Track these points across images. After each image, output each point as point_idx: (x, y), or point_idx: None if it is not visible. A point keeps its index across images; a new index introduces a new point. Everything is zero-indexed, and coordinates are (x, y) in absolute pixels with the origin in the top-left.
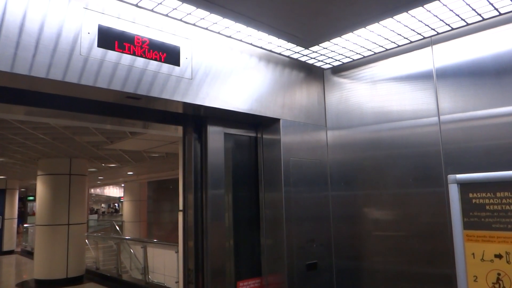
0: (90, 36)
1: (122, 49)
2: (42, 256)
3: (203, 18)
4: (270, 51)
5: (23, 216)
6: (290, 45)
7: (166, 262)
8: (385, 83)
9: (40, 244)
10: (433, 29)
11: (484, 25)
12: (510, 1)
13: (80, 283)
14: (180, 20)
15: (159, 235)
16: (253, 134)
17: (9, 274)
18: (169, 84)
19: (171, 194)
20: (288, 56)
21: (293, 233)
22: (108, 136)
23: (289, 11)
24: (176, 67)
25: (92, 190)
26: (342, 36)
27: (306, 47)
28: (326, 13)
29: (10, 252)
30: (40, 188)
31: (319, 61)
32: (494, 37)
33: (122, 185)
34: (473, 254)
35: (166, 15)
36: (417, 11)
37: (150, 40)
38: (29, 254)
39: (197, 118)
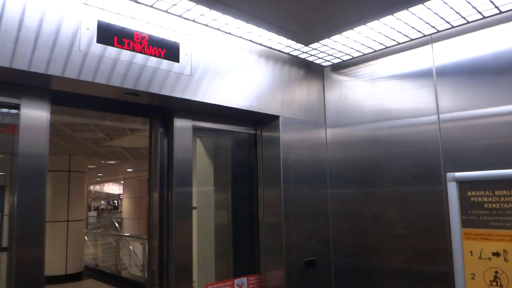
0: (89, 32)
1: (121, 45)
2: None
3: (203, 15)
4: (270, 48)
5: None
6: (290, 42)
7: None
8: (384, 81)
9: None
10: (433, 27)
11: (485, 23)
12: None
13: (79, 280)
14: (180, 16)
15: None
16: (252, 131)
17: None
18: (169, 80)
19: None
20: (287, 53)
21: (292, 230)
22: (107, 133)
23: (289, 8)
24: (176, 64)
25: (91, 187)
26: (342, 33)
27: (306, 44)
28: (326, 10)
29: None
30: None
31: (319, 58)
32: (495, 35)
33: (122, 182)
34: (471, 252)
35: (166, 11)
36: (417, 9)
37: (149, 36)
38: None
39: (164, 110)
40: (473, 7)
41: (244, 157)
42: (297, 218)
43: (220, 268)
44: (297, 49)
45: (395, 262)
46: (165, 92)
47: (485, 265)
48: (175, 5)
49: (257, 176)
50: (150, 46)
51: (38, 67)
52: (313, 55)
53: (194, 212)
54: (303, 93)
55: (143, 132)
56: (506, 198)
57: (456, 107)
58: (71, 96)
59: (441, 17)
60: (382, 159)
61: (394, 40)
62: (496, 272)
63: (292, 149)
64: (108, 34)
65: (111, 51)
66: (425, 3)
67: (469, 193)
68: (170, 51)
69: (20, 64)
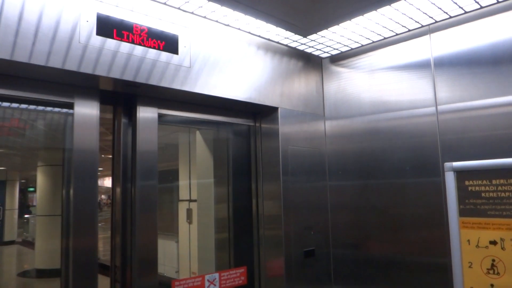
0: (89, 24)
1: (120, 37)
2: (43, 246)
3: (201, 6)
4: (269, 39)
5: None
6: (288, 34)
7: (166, 253)
8: (383, 72)
9: (41, 234)
10: (431, 17)
11: (482, 13)
12: None
13: None
14: (179, 8)
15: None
16: (251, 123)
17: (10, 264)
18: (168, 72)
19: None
20: (286, 45)
21: (291, 221)
22: (107, 127)
23: None
24: (175, 56)
25: None
26: (340, 24)
27: (304, 35)
28: (324, 1)
29: (11, 243)
30: (41, 179)
31: (318, 49)
32: (492, 25)
33: None
34: (468, 240)
35: (165, 3)
36: None
37: (148, 28)
38: (30, 244)
39: (128, 97)
40: None
41: (244, 149)
42: (297, 209)
43: (219, 260)
44: (296, 41)
45: (393, 252)
46: (165, 84)
47: (482, 253)
48: None
49: (256, 168)
50: (149, 39)
51: (38, 60)
52: (312, 47)
53: (194, 204)
54: (302, 85)
55: None
56: (503, 187)
57: (453, 98)
58: None
59: (438, 7)
60: (381, 151)
61: (392, 30)
62: (493, 260)
63: (291, 140)
64: (108, 27)
65: (111, 43)
66: None
67: (466, 183)
68: (169, 43)
69: (21, 56)
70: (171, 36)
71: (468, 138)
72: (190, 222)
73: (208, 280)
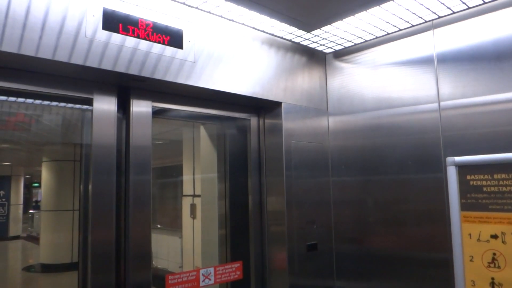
0: (95, 18)
1: (126, 32)
2: (48, 241)
3: (206, 1)
4: (272, 34)
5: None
6: (292, 29)
7: (170, 248)
8: (386, 68)
9: (46, 229)
10: (434, 13)
11: (485, 8)
12: None
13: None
14: (183, 3)
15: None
16: (254, 118)
17: (16, 259)
18: (173, 67)
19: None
20: (290, 40)
21: (294, 216)
22: None
23: None
24: (180, 50)
25: None
26: (343, 20)
27: (308, 30)
28: None
29: (16, 238)
30: (46, 174)
31: (321, 45)
32: (495, 21)
33: None
34: (469, 234)
35: None
36: None
37: (153, 23)
38: (35, 239)
39: (121, 89)
40: None
41: (247, 143)
42: (300, 204)
43: (222, 254)
44: (299, 36)
45: (395, 247)
46: (169, 78)
47: (483, 247)
48: None
49: (259, 163)
50: (154, 33)
51: (45, 54)
52: (315, 42)
53: (198, 199)
54: (306, 80)
55: None
56: (505, 182)
57: (456, 94)
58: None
59: (441, 3)
60: (384, 146)
61: (395, 26)
62: (494, 254)
63: (295, 136)
64: (113, 21)
65: (116, 37)
66: None
67: (468, 177)
68: (174, 38)
69: (28, 50)
70: (176, 31)
71: (471, 134)
72: (194, 217)
73: (203, 275)
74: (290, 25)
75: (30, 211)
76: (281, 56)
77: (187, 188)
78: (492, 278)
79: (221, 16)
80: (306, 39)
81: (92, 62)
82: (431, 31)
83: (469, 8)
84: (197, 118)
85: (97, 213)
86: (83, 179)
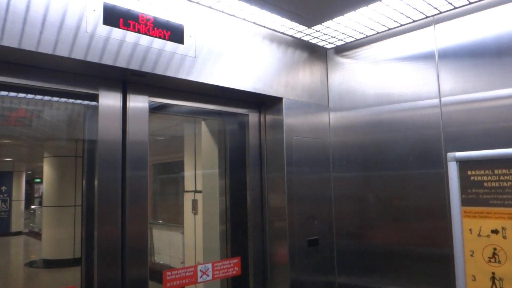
0: (95, 13)
1: (127, 27)
2: (50, 237)
3: None
4: (273, 30)
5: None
6: (293, 24)
7: (172, 244)
8: (387, 63)
9: (48, 225)
10: (436, 8)
11: (487, 3)
12: None
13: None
14: None
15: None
16: (255, 114)
17: (18, 254)
18: (174, 62)
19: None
20: (291, 36)
21: (295, 211)
22: None
23: None
24: (180, 45)
25: None
26: (345, 15)
27: (309, 26)
28: None
29: (18, 233)
30: (47, 170)
31: (322, 40)
32: (497, 16)
33: None
34: (470, 230)
35: None
36: None
37: (154, 18)
38: (37, 235)
39: (117, 83)
40: None
41: (246, 139)
42: (301, 199)
43: (223, 250)
44: (300, 31)
45: (396, 243)
46: (170, 73)
47: (484, 242)
48: None
49: (260, 158)
50: (155, 28)
51: (45, 48)
52: (316, 37)
53: (200, 195)
54: (307, 76)
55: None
56: (505, 177)
57: (457, 90)
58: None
59: None
60: (384, 142)
61: (396, 21)
62: (495, 249)
63: (296, 131)
64: (114, 16)
65: (117, 32)
66: None
67: (469, 172)
68: (174, 33)
69: (29, 44)
70: (176, 26)
71: (471, 129)
72: (195, 213)
73: (200, 270)
74: (291, 20)
75: (32, 206)
76: (282, 52)
77: (188, 184)
78: (493, 273)
79: (221, 11)
80: (307, 35)
81: (93, 57)
82: (432, 26)
83: (470, 3)
84: (197, 114)
85: (103, 209)
86: (85, 175)
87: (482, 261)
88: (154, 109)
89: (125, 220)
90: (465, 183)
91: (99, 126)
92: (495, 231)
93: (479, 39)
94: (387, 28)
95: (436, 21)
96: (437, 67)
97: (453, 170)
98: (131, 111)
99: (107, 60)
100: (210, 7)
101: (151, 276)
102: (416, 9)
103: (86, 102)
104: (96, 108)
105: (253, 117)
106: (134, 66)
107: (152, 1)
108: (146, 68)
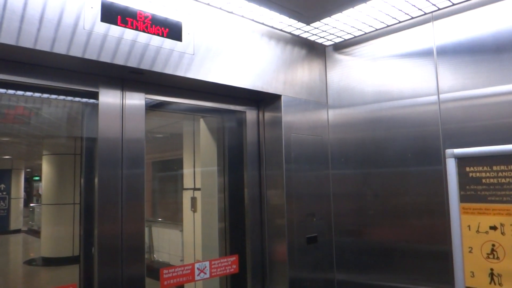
0: (93, 10)
1: (125, 24)
2: (49, 235)
3: None
4: (272, 27)
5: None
6: (292, 21)
7: (171, 241)
8: (385, 60)
9: (47, 223)
10: (434, 4)
11: (485, 0)
12: None
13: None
14: None
15: (163, 215)
16: (254, 111)
17: (17, 252)
18: (172, 59)
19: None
20: (289, 33)
21: (294, 208)
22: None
23: None
24: (179, 43)
25: None
26: (343, 12)
27: (308, 23)
28: None
29: (17, 231)
30: (46, 167)
31: (321, 37)
32: (495, 12)
33: None
34: (468, 226)
35: None
36: None
37: (152, 15)
38: (36, 233)
39: (114, 80)
40: None
41: (243, 136)
42: (299, 197)
43: (222, 248)
44: (299, 28)
45: (395, 240)
46: (169, 71)
47: (482, 238)
48: None
49: (259, 156)
50: (153, 25)
51: (43, 46)
52: (315, 34)
53: (198, 193)
54: (305, 73)
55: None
56: (503, 173)
57: (456, 86)
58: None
59: None
60: (383, 139)
61: (395, 18)
62: (493, 245)
63: (294, 128)
64: (112, 13)
65: (115, 30)
66: None
67: (467, 169)
68: (173, 30)
69: (26, 42)
70: (174, 23)
71: (470, 126)
72: (194, 211)
73: (198, 268)
74: (290, 17)
75: (31, 204)
76: (281, 49)
77: (187, 182)
78: (491, 269)
79: (220, 8)
80: (305, 32)
81: (91, 55)
82: (430, 23)
83: None
84: (195, 111)
85: (103, 207)
86: (84, 173)
87: (481, 257)
88: (152, 107)
89: (122, 218)
90: (464, 180)
91: (99, 124)
92: (493, 228)
93: (477, 36)
94: (386, 25)
95: (434, 18)
96: (435, 64)
97: (451, 167)
98: (128, 109)
99: (106, 58)
100: (208, 4)
101: (150, 273)
102: (414, 5)
103: (85, 100)
104: (95, 105)
105: (251, 115)
106: (132, 63)
107: None
108: (144, 66)
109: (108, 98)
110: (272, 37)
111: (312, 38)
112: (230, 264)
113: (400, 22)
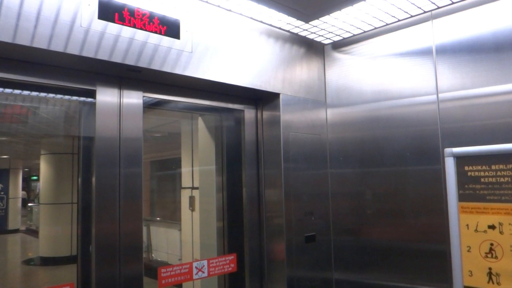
0: (90, 8)
1: (122, 22)
2: (47, 234)
3: None
4: (271, 25)
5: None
6: (291, 19)
7: (170, 241)
8: (384, 59)
9: (45, 222)
10: (433, 3)
11: None
12: None
13: None
14: None
15: (162, 214)
16: (252, 110)
17: (15, 252)
18: (170, 57)
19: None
20: (288, 31)
21: (292, 208)
22: None
23: None
24: (177, 40)
25: None
26: (342, 10)
27: (306, 21)
28: None
29: (16, 231)
30: (44, 167)
31: (320, 36)
32: (495, 11)
33: None
34: (467, 225)
35: None
36: None
37: (150, 13)
38: (34, 232)
39: (112, 78)
40: None
41: (241, 135)
42: (298, 196)
43: (220, 247)
44: (298, 27)
45: (393, 239)
46: (167, 69)
47: (480, 237)
48: None
49: (257, 155)
50: (151, 23)
51: (40, 43)
52: (314, 33)
53: (196, 192)
54: (304, 71)
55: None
56: (502, 172)
57: (455, 86)
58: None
59: None
60: (382, 138)
61: (394, 16)
62: (492, 244)
63: (293, 127)
64: (109, 11)
65: (112, 27)
66: None
67: (466, 168)
68: (170, 28)
69: (23, 39)
70: (173, 20)
71: (469, 126)
72: (192, 210)
73: (196, 267)
74: (289, 15)
75: (29, 204)
76: (279, 47)
77: (185, 181)
78: (490, 268)
79: (218, 6)
80: (304, 30)
81: (88, 52)
82: (430, 21)
83: None
84: (193, 110)
85: (100, 205)
86: (81, 172)
87: (479, 256)
88: (150, 105)
89: (120, 217)
90: (462, 179)
91: (96, 122)
92: (492, 227)
93: (477, 35)
94: (385, 24)
95: (434, 16)
96: (434, 63)
97: (450, 166)
98: (125, 107)
99: (103, 55)
100: (206, 2)
101: (148, 272)
102: (413, 4)
103: (82, 98)
104: (92, 104)
105: (249, 113)
106: (130, 61)
107: None
108: (142, 64)
109: (106, 96)
110: (270, 35)
111: (311, 36)
112: (228, 263)
113: (399, 20)
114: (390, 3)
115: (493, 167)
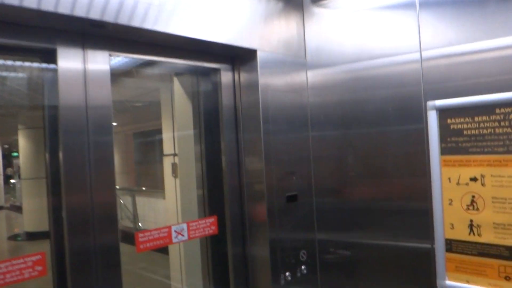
0: None
1: None
2: (30, 209)
3: None
4: None
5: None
6: None
7: (155, 209)
8: (366, 13)
9: (27, 197)
10: None
11: None
12: None
13: None
14: None
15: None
16: (229, 69)
17: (0, 228)
18: (138, 11)
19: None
20: None
21: (273, 171)
22: None
23: None
24: None
25: None
26: None
27: None
28: None
29: (0, 208)
30: (22, 142)
31: None
32: None
33: None
34: (449, 178)
35: None
36: None
37: None
38: (18, 208)
39: (74, 36)
40: None
41: (221, 96)
42: (279, 160)
43: (201, 211)
44: None
45: (376, 199)
46: (135, 23)
47: (462, 190)
48: None
49: (236, 118)
50: None
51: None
52: None
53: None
54: (282, 27)
55: (123, 84)
56: (485, 124)
57: (438, 42)
58: None
59: None
60: (363, 100)
61: None
62: (473, 196)
63: (272, 89)
64: None
65: None
66: None
67: (448, 121)
68: None
69: None
70: None
71: (453, 86)
72: (175, 176)
73: (175, 231)
74: None
75: (12, 180)
76: (256, 0)
77: (167, 148)
78: (471, 220)
79: None
80: None
81: (47, 6)
82: None
83: None
84: (167, 70)
85: (69, 176)
86: (48, 144)
87: (461, 209)
88: (120, 66)
89: (91, 187)
90: (445, 132)
91: (59, 87)
92: (474, 179)
93: None
94: None
95: None
96: (418, 17)
97: (433, 119)
98: (90, 69)
99: (64, 9)
100: None
101: (133, 241)
102: None
103: (44, 64)
104: (55, 69)
105: (226, 73)
106: (94, 15)
107: None
108: (108, 18)
109: (68, 56)
110: None
111: None
112: (209, 225)
113: None
114: None
115: (476, 118)
